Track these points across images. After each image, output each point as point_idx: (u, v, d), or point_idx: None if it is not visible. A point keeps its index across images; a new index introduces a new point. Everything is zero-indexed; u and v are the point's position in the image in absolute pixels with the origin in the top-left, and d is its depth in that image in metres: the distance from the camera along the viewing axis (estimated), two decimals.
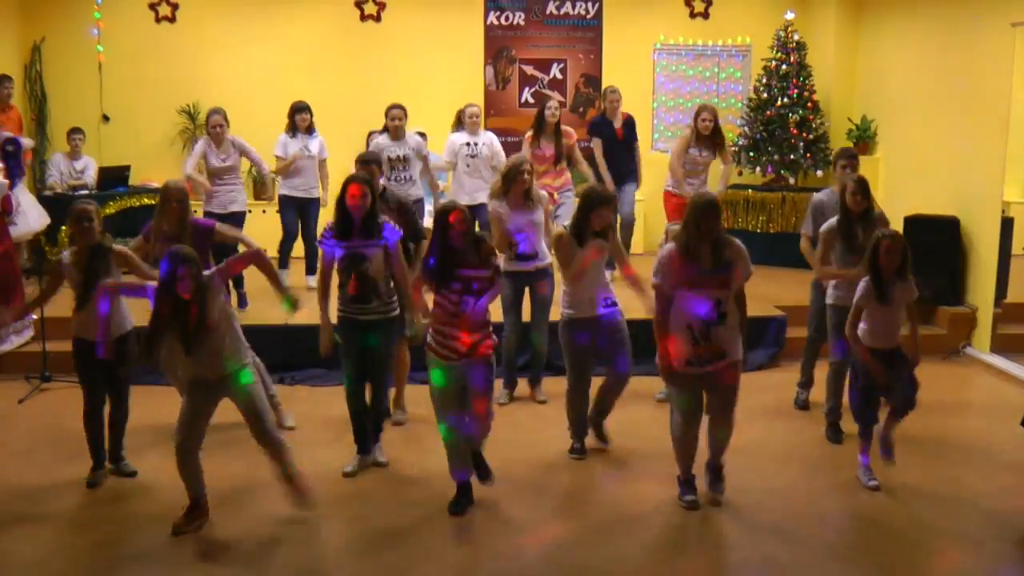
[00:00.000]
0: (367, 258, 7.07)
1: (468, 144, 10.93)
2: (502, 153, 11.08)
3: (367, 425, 7.43)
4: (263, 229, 12.26)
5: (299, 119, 11.33)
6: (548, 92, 14.11)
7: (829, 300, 8.10)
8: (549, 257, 8.49)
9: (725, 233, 6.57)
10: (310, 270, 11.57)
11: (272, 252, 11.25)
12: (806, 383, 8.93)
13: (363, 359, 7.30)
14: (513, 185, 8.29)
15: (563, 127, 10.94)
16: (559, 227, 7.80)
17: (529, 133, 10.98)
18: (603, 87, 12.25)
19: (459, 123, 11.20)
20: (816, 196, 8.76)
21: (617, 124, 11.58)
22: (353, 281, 7.10)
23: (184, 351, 6.19)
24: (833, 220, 7.96)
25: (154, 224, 7.95)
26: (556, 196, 10.48)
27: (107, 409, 7.21)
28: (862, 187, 7.76)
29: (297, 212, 11.46)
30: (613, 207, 7.48)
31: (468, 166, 10.96)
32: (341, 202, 7.05)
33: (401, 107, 10.52)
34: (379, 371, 7.40)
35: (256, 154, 11.13)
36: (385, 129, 10.64)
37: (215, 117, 10.76)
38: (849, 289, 7.51)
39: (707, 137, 10.85)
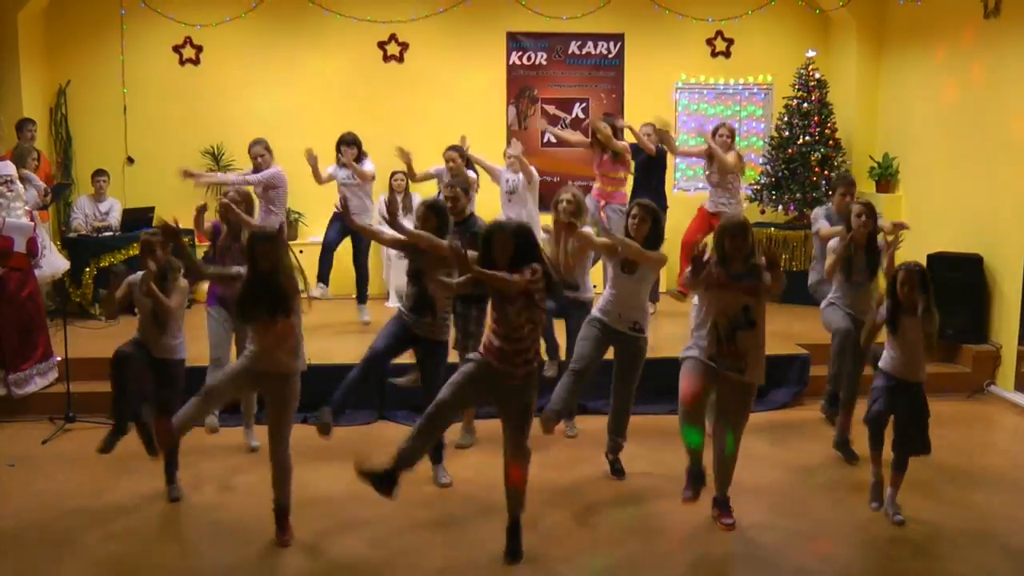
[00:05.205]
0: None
1: (508, 180, 10.96)
2: (535, 177, 10.87)
3: (360, 388, 7.64)
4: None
5: (345, 151, 11.44)
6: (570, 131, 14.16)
7: (823, 304, 8.63)
8: (591, 292, 8.61)
9: (756, 253, 6.78)
10: (361, 299, 11.68)
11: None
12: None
13: (400, 345, 7.62)
14: (555, 215, 8.44)
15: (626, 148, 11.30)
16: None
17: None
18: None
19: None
20: (817, 210, 9.36)
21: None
22: (414, 291, 7.45)
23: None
24: (835, 240, 8.28)
25: (221, 226, 8.49)
26: (603, 212, 10.79)
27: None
28: (869, 209, 7.96)
29: (345, 233, 11.52)
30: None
31: (508, 202, 10.97)
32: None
33: (456, 148, 10.78)
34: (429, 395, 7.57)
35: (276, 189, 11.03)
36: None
37: (255, 148, 10.80)
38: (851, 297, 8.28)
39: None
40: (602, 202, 11.23)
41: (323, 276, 11.65)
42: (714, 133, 11.66)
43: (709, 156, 11.51)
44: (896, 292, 6.94)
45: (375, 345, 7.59)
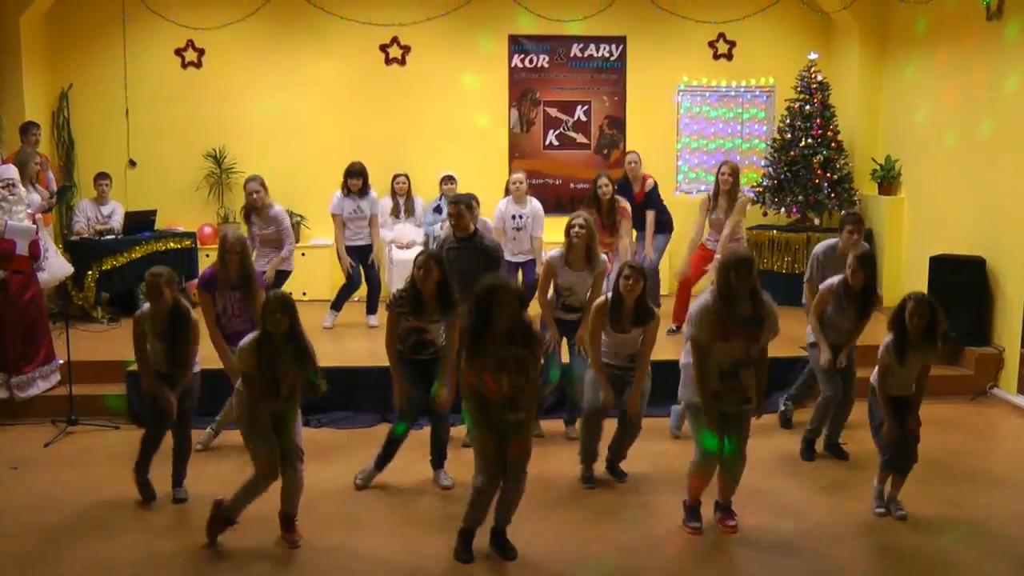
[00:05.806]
0: (428, 332, 7.62)
1: (515, 216, 10.91)
2: (542, 225, 11.03)
3: (393, 454, 7.83)
4: (299, 273, 12.12)
5: (351, 183, 11.43)
6: (573, 134, 14.18)
7: (810, 339, 8.60)
8: None
9: (760, 288, 6.79)
10: (371, 309, 11.76)
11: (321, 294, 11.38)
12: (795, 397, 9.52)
13: (422, 398, 7.71)
14: (566, 241, 8.51)
15: (619, 201, 10.99)
16: (603, 296, 7.86)
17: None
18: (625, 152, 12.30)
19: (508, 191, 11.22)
20: (817, 249, 9.22)
21: (636, 188, 11.70)
22: (415, 339, 7.64)
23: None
24: (835, 280, 8.28)
25: (219, 274, 8.24)
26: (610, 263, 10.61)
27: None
28: (863, 263, 8.05)
29: (359, 259, 11.63)
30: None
31: (515, 239, 10.96)
32: (412, 277, 7.45)
33: (450, 178, 11.14)
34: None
35: (288, 236, 10.74)
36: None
37: (250, 185, 10.58)
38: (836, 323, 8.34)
39: (726, 193, 10.96)
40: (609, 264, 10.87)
41: (338, 305, 11.77)
42: (717, 172, 11.13)
43: (715, 194, 11.05)
44: (904, 323, 6.98)
45: (398, 424, 7.81)
